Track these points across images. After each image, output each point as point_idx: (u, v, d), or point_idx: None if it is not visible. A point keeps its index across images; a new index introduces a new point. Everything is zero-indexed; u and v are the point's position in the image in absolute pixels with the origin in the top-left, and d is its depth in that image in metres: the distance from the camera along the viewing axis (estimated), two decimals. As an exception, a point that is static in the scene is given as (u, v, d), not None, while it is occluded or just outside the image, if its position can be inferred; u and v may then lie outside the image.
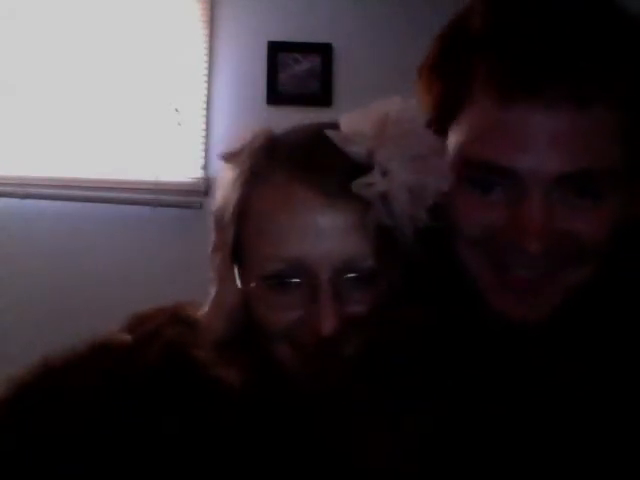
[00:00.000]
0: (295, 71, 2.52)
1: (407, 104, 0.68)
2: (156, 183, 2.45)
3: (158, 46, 2.48)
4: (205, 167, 2.49)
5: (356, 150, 0.67)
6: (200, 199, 2.46)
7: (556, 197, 0.64)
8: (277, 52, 2.51)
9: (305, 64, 2.51)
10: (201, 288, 0.82)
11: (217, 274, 0.75)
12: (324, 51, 2.50)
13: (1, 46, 2.46)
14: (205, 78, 2.52)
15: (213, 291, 0.76)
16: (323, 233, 0.66)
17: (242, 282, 0.72)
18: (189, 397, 0.68)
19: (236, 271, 0.73)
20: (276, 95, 2.50)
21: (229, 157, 0.74)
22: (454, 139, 0.69)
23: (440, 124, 0.71)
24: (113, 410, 0.67)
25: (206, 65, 2.52)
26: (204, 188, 2.46)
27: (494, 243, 0.67)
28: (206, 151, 2.50)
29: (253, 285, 0.70)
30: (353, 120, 0.68)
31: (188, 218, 2.45)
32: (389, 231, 0.66)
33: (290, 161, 0.69)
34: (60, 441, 0.66)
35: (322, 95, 2.49)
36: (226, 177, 0.74)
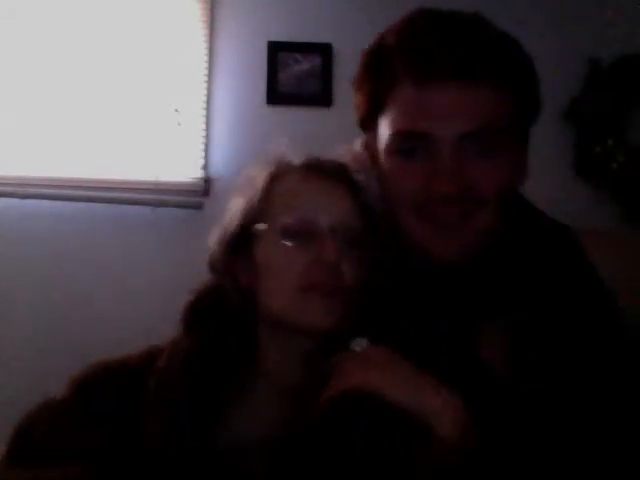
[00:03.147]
0: (295, 71, 2.52)
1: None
2: (156, 183, 2.45)
3: (158, 46, 2.48)
4: (205, 167, 2.49)
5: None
6: (200, 199, 2.46)
7: (462, 154, 0.87)
8: (277, 52, 2.51)
9: (305, 64, 2.51)
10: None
11: None
12: (324, 51, 2.50)
13: (1, 46, 2.46)
14: (205, 78, 2.52)
15: None
16: (331, 199, 0.90)
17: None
18: None
19: None
20: (276, 95, 2.50)
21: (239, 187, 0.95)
22: (384, 122, 0.92)
23: (371, 116, 0.95)
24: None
25: (206, 65, 2.52)
26: (204, 188, 2.47)
27: (420, 200, 0.89)
28: (206, 151, 2.50)
29: None
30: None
31: (188, 218, 2.45)
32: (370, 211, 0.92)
33: (302, 165, 0.93)
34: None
35: (322, 95, 2.49)
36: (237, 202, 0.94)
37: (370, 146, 0.97)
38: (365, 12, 2.44)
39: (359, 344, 0.86)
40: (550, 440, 0.81)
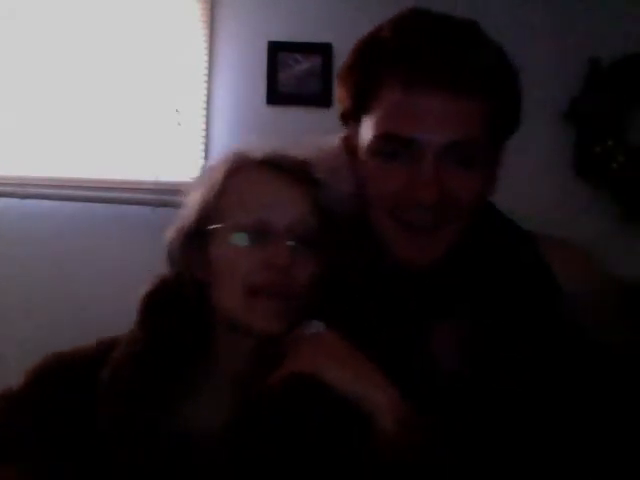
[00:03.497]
0: (295, 71, 2.52)
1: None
2: (156, 183, 2.45)
3: (158, 46, 2.48)
4: (205, 167, 2.48)
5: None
6: (200, 199, 2.45)
7: (443, 163, 0.87)
8: (277, 52, 2.51)
9: (305, 64, 2.51)
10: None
11: None
12: (324, 51, 2.50)
13: (1, 46, 2.46)
14: (205, 78, 2.52)
15: None
16: (287, 198, 0.88)
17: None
18: None
19: None
20: (276, 95, 2.50)
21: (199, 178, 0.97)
22: (368, 123, 0.91)
23: (354, 113, 0.94)
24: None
25: (206, 65, 2.52)
26: (204, 188, 2.46)
27: (398, 204, 0.89)
28: (206, 151, 2.50)
29: None
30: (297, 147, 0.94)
31: (188, 218, 2.45)
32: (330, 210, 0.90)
33: (261, 161, 0.91)
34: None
35: (322, 95, 2.48)
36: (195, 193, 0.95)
37: (350, 141, 0.96)
38: (365, 12, 2.44)
39: (315, 326, 0.86)
40: (507, 439, 0.83)
